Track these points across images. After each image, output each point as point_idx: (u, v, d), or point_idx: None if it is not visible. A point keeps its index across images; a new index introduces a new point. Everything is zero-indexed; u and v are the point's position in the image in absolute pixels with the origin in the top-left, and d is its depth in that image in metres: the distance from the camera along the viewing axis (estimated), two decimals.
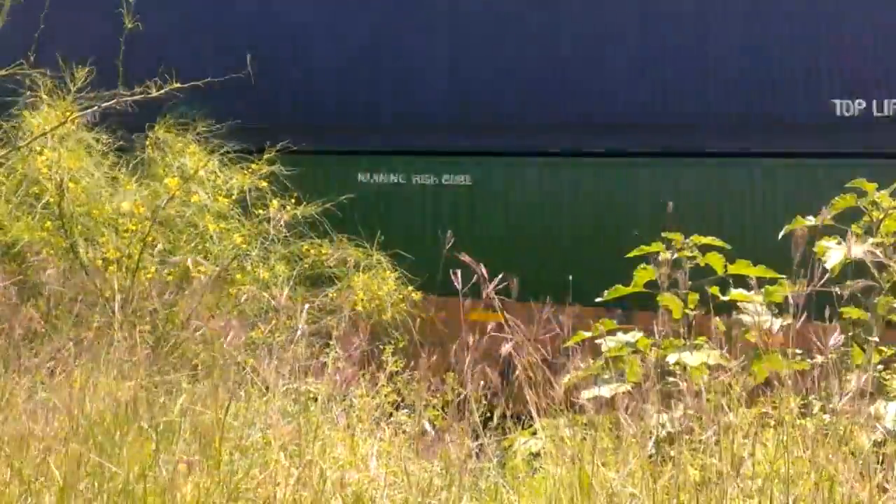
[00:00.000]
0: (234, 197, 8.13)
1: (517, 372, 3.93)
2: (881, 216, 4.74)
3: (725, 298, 4.80)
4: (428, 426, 4.12)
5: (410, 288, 8.67)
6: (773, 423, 3.88)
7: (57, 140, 7.94)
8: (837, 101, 8.90)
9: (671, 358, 4.45)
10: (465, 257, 4.04)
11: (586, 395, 4.19)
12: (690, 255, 5.02)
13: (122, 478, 3.81)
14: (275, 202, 7.95)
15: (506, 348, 3.85)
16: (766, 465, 3.59)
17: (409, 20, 11.08)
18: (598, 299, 5.42)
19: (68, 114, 7.87)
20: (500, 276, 4.07)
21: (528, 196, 10.35)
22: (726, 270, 4.92)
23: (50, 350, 4.57)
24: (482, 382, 3.94)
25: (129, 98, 7.99)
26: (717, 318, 4.57)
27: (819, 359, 3.88)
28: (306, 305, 4.95)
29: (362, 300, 8.05)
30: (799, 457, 3.55)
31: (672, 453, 3.73)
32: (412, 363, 5.26)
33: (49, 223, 7.59)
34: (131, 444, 3.96)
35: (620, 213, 9.69)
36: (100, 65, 8.08)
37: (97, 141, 8.34)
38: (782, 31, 9.25)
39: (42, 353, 4.57)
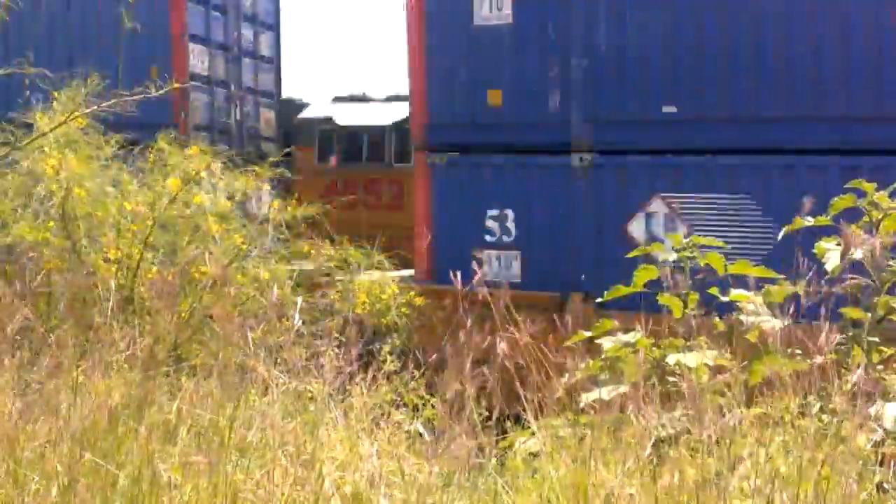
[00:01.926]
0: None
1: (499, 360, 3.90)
2: (880, 216, 4.73)
3: (726, 299, 4.80)
4: (423, 430, 4.11)
5: (413, 292, 8.67)
6: (772, 423, 3.87)
7: (63, 140, 7.94)
8: None
9: (671, 358, 4.45)
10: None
11: (585, 398, 4.19)
12: (690, 255, 5.01)
13: (120, 478, 3.81)
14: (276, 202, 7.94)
15: (501, 346, 3.85)
16: (764, 466, 3.57)
17: None
18: (599, 300, 5.41)
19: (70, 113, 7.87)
20: None
21: None
22: (726, 270, 4.91)
23: (46, 349, 4.57)
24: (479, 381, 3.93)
25: (129, 98, 7.98)
26: (717, 318, 4.57)
27: (819, 359, 3.87)
28: (299, 299, 4.93)
29: (364, 303, 8.06)
30: (799, 457, 3.54)
31: (671, 454, 3.73)
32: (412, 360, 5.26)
33: (52, 223, 7.60)
34: (126, 443, 3.96)
35: None
36: None
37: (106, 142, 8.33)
38: None
39: (33, 350, 4.56)
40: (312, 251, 8.19)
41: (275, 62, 16.91)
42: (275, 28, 16.92)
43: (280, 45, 17.15)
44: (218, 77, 14.53)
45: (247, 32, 15.85)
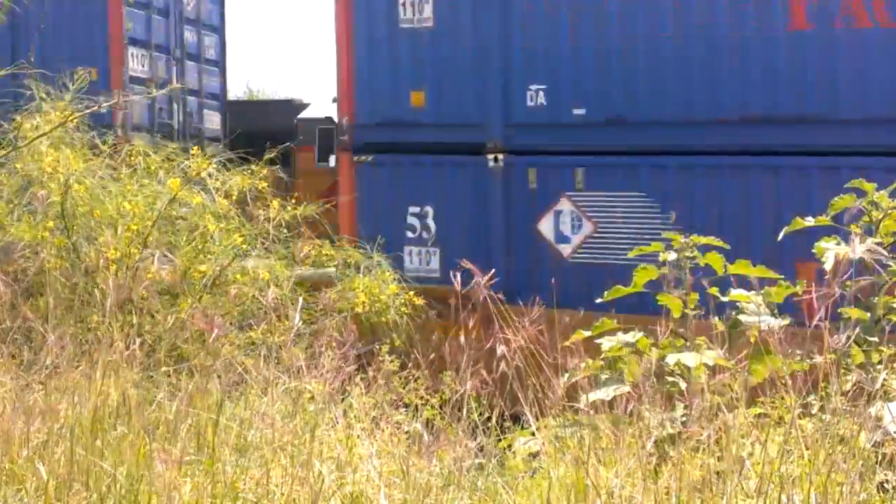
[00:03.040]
0: None
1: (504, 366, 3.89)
2: (881, 216, 4.72)
3: (725, 299, 4.79)
4: (424, 431, 4.10)
5: (412, 292, 8.65)
6: (772, 423, 3.86)
7: (58, 139, 7.94)
8: None
9: (670, 359, 4.44)
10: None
11: (584, 399, 4.18)
12: (690, 255, 5.00)
13: (115, 477, 3.80)
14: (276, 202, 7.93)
15: (501, 349, 3.84)
16: (764, 466, 3.57)
17: None
18: (598, 300, 5.40)
19: (68, 114, 7.87)
20: None
21: None
22: (726, 270, 4.90)
23: (45, 349, 4.56)
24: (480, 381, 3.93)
25: (129, 98, 7.97)
26: (717, 318, 4.56)
27: (818, 359, 3.86)
28: (300, 300, 4.92)
29: (363, 303, 8.04)
30: (799, 456, 3.54)
31: (671, 453, 3.72)
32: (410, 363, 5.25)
33: (51, 223, 7.58)
34: (123, 442, 3.95)
35: None
36: None
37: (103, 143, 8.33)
38: None
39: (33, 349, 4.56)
40: (312, 251, 8.17)
41: (220, 64, 17.32)
42: (220, 31, 17.38)
43: (225, 47, 17.55)
44: (159, 79, 15.09)
45: (190, 35, 16.34)
